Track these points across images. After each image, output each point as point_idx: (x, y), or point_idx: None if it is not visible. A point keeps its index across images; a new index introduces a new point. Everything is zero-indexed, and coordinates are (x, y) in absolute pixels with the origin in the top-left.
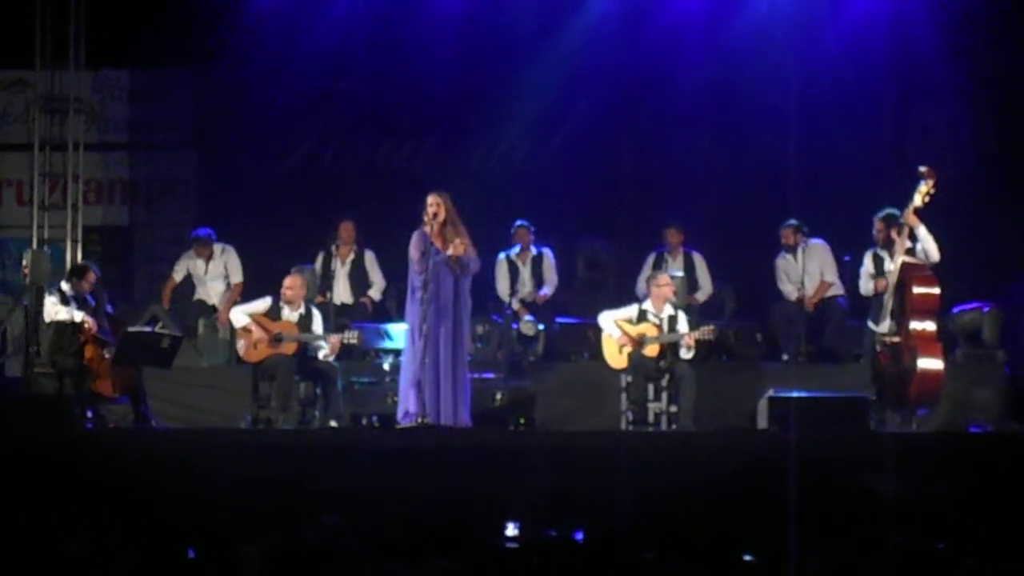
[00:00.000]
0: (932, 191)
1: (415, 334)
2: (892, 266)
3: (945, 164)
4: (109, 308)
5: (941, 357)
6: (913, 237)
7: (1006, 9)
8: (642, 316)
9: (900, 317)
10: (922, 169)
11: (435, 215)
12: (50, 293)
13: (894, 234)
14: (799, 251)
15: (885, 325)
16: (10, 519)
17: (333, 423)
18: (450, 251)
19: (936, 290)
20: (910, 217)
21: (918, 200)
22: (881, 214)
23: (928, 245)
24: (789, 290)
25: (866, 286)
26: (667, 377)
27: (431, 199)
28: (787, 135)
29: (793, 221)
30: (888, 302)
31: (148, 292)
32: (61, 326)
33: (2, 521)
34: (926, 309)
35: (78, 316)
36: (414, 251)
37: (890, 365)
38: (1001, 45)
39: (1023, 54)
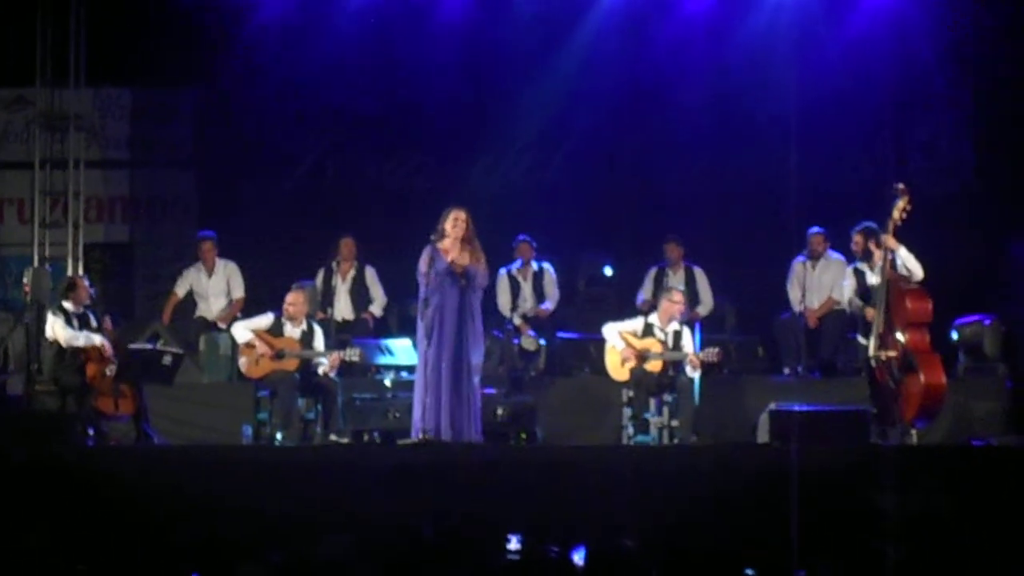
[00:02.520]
0: (908, 207)
1: (421, 348)
2: (875, 279)
3: (946, 178)
4: (109, 324)
5: (943, 369)
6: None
7: (1006, 23)
8: (648, 330)
9: (891, 332)
10: (897, 186)
11: (452, 228)
12: (54, 314)
13: (872, 246)
14: (820, 262)
15: (873, 341)
16: (11, 539)
17: (334, 439)
18: (451, 257)
19: (928, 303)
20: (889, 241)
21: (896, 216)
22: (859, 227)
23: (911, 265)
24: (795, 297)
25: (854, 305)
26: (668, 392)
27: (455, 212)
28: (788, 150)
29: (820, 229)
30: (877, 318)
31: (149, 309)
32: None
33: (2, 541)
34: (920, 322)
35: (96, 340)
36: (422, 265)
37: (888, 381)
38: (1002, 59)
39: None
